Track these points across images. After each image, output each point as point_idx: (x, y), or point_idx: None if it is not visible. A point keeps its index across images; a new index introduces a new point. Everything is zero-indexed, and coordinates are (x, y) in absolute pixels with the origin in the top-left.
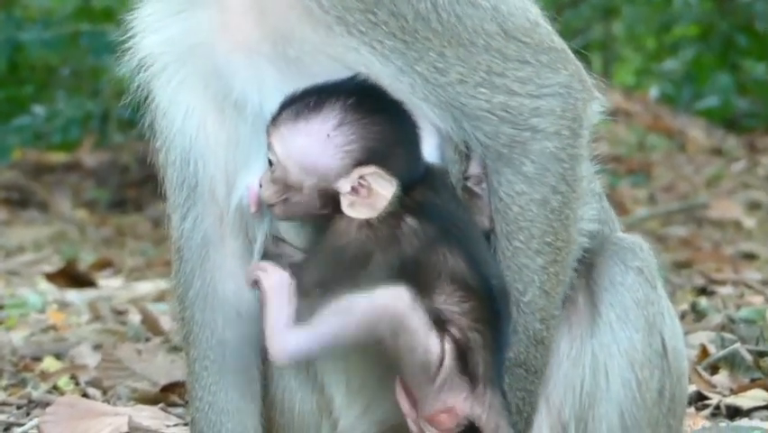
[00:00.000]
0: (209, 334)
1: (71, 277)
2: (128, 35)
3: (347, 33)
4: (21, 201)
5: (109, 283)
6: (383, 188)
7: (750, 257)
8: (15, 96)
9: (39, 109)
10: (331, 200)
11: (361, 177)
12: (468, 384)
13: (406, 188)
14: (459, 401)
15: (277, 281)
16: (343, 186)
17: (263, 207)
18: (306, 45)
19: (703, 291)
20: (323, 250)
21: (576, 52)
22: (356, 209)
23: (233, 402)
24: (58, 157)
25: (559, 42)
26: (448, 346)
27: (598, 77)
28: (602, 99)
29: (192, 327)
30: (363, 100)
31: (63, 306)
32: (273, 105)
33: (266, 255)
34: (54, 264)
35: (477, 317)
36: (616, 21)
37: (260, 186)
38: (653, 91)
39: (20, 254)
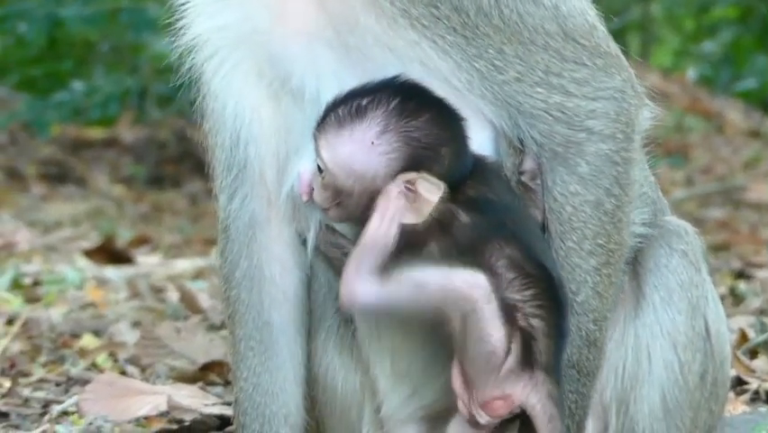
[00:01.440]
0: (255, 315)
1: (109, 253)
2: (179, 17)
3: (410, 26)
4: (59, 177)
5: (147, 260)
6: (429, 193)
7: None
8: (54, 71)
9: (78, 85)
10: None
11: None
12: (528, 372)
13: (457, 185)
14: (517, 390)
15: (382, 236)
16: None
17: None
18: (368, 35)
19: (741, 275)
20: None
21: (614, 33)
22: (405, 215)
23: (278, 384)
24: (96, 133)
25: (614, 48)
26: (516, 337)
27: (637, 58)
28: (652, 107)
29: (238, 306)
30: (407, 103)
31: (101, 283)
32: (331, 92)
33: (320, 245)
34: (92, 240)
35: (539, 303)
36: (654, 2)
37: (313, 189)
38: (691, 73)
39: (58, 230)
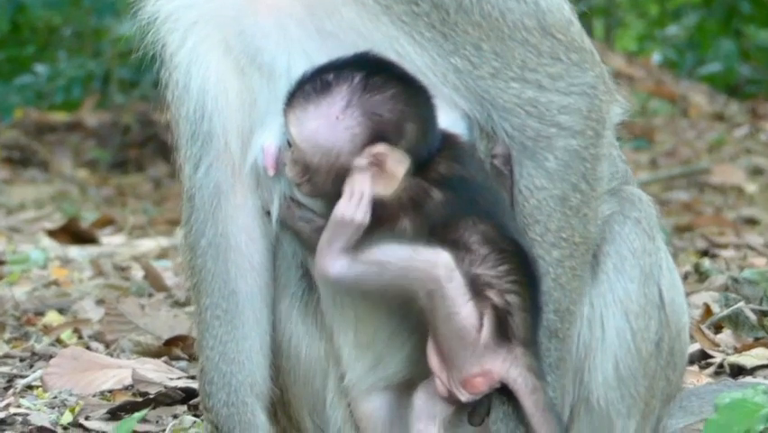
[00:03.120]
0: (221, 283)
1: (73, 234)
2: None
3: (390, 23)
4: (22, 160)
5: (111, 240)
6: (395, 165)
7: (752, 222)
8: (17, 55)
9: (41, 69)
10: None
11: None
12: (506, 347)
13: (427, 161)
14: (496, 365)
15: (354, 212)
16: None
17: (280, 168)
18: (345, 23)
19: (706, 254)
20: None
21: (579, 18)
22: (373, 186)
23: (244, 353)
24: (59, 117)
25: (588, 43)
26: (487, 312)
27: (600, 42)
28: (623, 102)
29: (204, 275)
30: (372, 78)
31: (65, 262)
32: (301, 69)
33: (286, 219)
34: (56, 222)
35: (514, 279)
36: None
37: (284, 165)
38: (656, 56)
39: (21, 212)
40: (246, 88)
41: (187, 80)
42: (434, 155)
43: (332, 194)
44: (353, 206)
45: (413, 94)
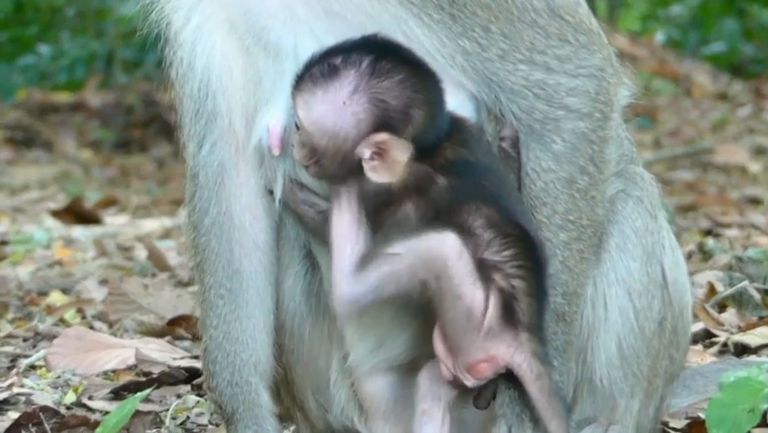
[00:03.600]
0: (225, 262)
1: (77, 214)
2: None
3: (399, 4)
4: (25, 141)
5: (114, 221)
6: (398, 153)
7: (755, 202)
8: (20, 36)
9: (44, 49)
10: (357, 165)
11: (374, 144)
12: (511, 332)
13: (434, 147)
14: (501, 350)
15: (348, 221)
16: (363, 152)
17: (286, 148)
18: (352, 4)
19: (709, 233)
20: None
21: None
22: (378, 174)
23: (248, 332)
24: (62, 97)
25: (595, 25)
26: (493, 295)
27: (604, 22)
28: (631, 85)
29: (207, 254)
30: (380, 63)
31: (69, 242)
32: (308, 49)
33: (289, 202)
34: (59, 202)
35: (519, 264)
36: None
37: (293, 146)
38: (659, 36)
39: (25, 192)
40: (251, 67)
41: (192, 58)
42: (441, 140)
43: (339, 177)
44: (345, 223)
45: (421, 79)
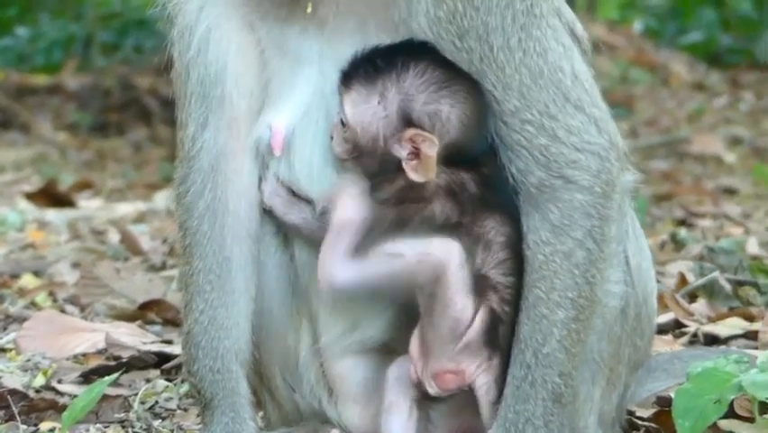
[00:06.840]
0: (216, 248)
1: (51, 197)
2: None
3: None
4: (2, 123)
5: (89, 204)
6: (426, 148)
7: (730, 192)
8: None
9: (22, 31)
10: (395, 164)
11: (409, 138)
12: (486, 353)
13: (472, 157)
14: (471, 367)
15: (352, 213)
16: (402, 152)
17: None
18: (382, 36)
19: (683, 223)
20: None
21: None
22: (417, 173)
23: (232, 319)
24: (40, 79)
25: (605, 106)
26: (482, 312)
27: (583, 11)
28: (635, 172)
29: (199, 238)
30: (417, 64)
31: (42, 225)
32: (329, 58)
33: (275, 207)
34: (34, 184)
35: (517, 292)
36: None
37: (331, 138)
38: (638, 25)
39: (0, 174)
40: (262, 62)
41: (205, 44)
42: (479, 155)
43: (376, 173)
44: (348, 210)
45: (455, 83)
